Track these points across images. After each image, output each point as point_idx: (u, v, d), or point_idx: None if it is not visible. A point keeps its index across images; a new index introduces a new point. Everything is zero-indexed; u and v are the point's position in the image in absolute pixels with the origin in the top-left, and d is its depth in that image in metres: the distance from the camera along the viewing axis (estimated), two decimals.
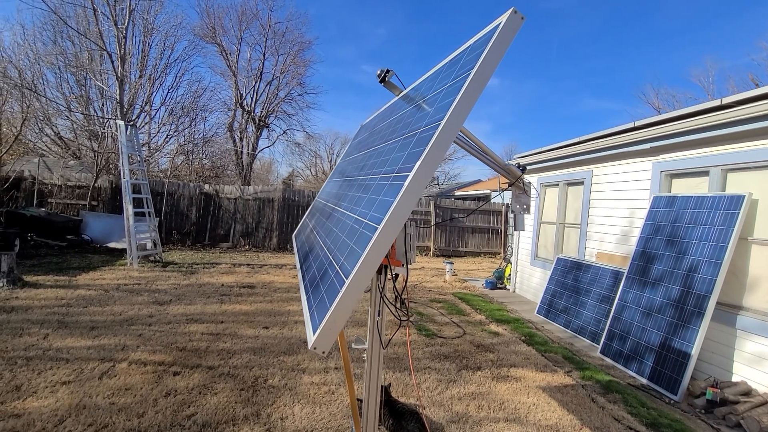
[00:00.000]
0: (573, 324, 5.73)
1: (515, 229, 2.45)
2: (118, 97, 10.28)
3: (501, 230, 14.57)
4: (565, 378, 4.11)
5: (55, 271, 7.55)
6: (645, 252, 4.76)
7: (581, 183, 6.65)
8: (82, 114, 14.20)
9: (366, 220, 1.30)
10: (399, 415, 3.00)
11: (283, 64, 24.73)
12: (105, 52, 10.64)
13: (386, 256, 2.14)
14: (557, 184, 7.34)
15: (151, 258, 9.29)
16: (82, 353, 3.94)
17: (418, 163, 1.08)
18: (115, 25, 9.72)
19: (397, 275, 2.21)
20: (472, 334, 5.38)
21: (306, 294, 1.45)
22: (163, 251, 10.32)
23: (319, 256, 1.72)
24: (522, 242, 8.42)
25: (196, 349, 4.22)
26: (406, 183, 1.07)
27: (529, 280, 7.95)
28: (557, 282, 6.49)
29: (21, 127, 9.83)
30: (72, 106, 13.72)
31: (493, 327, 5.76)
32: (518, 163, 2.34)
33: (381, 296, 2.16)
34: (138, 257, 8.61)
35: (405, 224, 2.19)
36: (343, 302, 1.03)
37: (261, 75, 24.60)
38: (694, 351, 3.77)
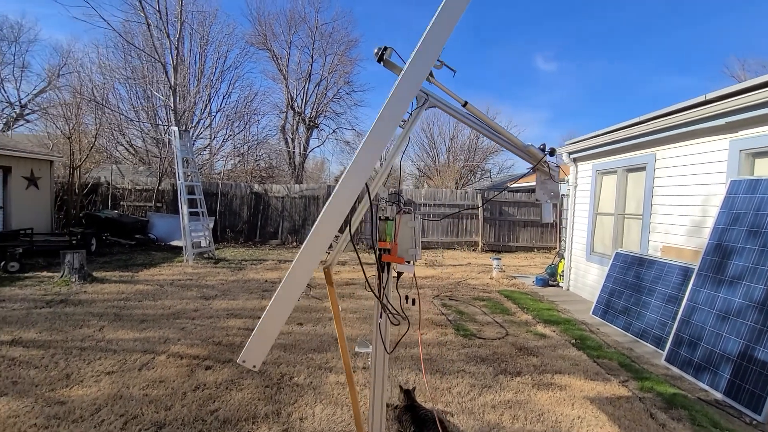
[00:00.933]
0: (634, 327, 5.11)
1: (542, 220, 2.14)
2: (172, 105, 11.06)
3: (556, 223, 13.61)
4: (619, 388, 3.64)
5: (121, 267, 8.26)
6: (720, 245, 4.08)
7: (643, 168, 5.91)
8: (150, 123, 15.49)
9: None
10: (421, 422, 2.79)
11: (330, 64, 25.16)
12: (160, 63, 11.51)
13: (388, 253, 1.96)
14: (615, 171, 6.61)
15: (205, 255, 9.85)
16: (128, 345, 4.20)
17: (363, 140, 0.89)
18: (168, 36, 10.46)
19: (400, 274, 2.02)
20: (515, 335, 5.00)
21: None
22: (218, 248, 10.93)
23: None
24: (576, 236, 7.74)
25: (231, 343, 4.32)
26: (346, 170, 0.88)
27: (584, 277, 7.28)
28: (616, 279, 5.84)
29: (95, 137, 10.91)
30: (140, 116, 15.03)
31: (540, 328, 5.31)
32: (542, 145, 2.03)
33: (383, 296, 1.98)
34: (193, 254, 9.17)
35: (408, 217, 1.98)
36: (272, 311, 0.87)
37: (310, 76, 25.21)
38: None
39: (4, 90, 19.70)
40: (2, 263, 7.44)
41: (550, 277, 8.36)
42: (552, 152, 2.11)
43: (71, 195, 11.44)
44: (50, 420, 2.82)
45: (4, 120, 19.33)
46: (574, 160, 7.72)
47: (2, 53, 19.49)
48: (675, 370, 4.05)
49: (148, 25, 10.51)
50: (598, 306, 5.94)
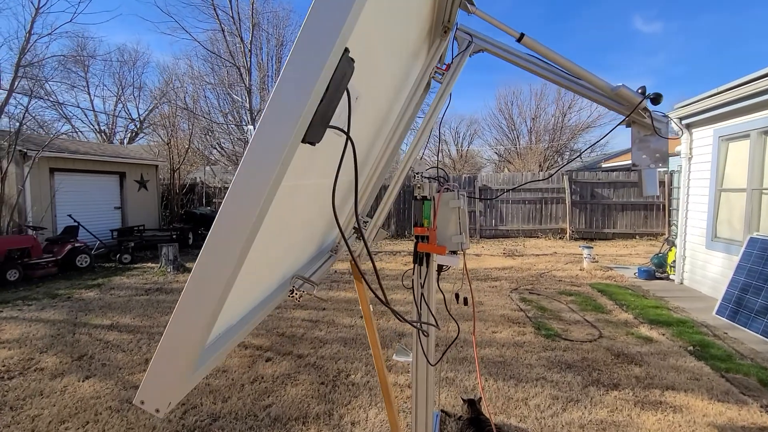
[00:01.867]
0: None
1: (643, 194, 1.55)
2: (248, 105, 11.73)
3: (664, 205, 11.63)
4: (760, 415, 2.77)
5: None
6: None
7: None
8: (236, 125, 16.76)
9: None
10: None
11: None
12: (236, 67, 12.29)
13: (425, 241, 1.57)
14: (746, 135, 5.23)
15: None
16: None
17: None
18: (242, 41, 11.05)
19: (441, 267, 1.62)
20: (611, 337, 4.21)
21: None
22: None
23: None
24: (692, 218, 6.39)
25: (293, 335, 4.29)
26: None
27: (704, 268, 5.96)
28: (751, 271, 4.63)
29: (189, 142, 12.04)
30: (227, 119, 16.34)
31: (645, 330, 4.41)
32: (641, 88, 1.45)
33: (421, 294, 1.61)
34: None
35: (450, 196, 1.57)
36: (165, 344, 0.57)
37: None
38: None
39: (127, 109, 23.10)
40: (118, 255, 8.56)
41: (658, 269, 7.07)
42: (656, 99, 1.50)
43: (173, 195, 12.84)
44: (123, 404, 2.98)
45: (128, 135, 22.63)
46: (687, 127, 6.34)
47: (124, 77, 22.74)
48: None
49: (223, 31, 11.28)
50: (725, 304, 4.78)
